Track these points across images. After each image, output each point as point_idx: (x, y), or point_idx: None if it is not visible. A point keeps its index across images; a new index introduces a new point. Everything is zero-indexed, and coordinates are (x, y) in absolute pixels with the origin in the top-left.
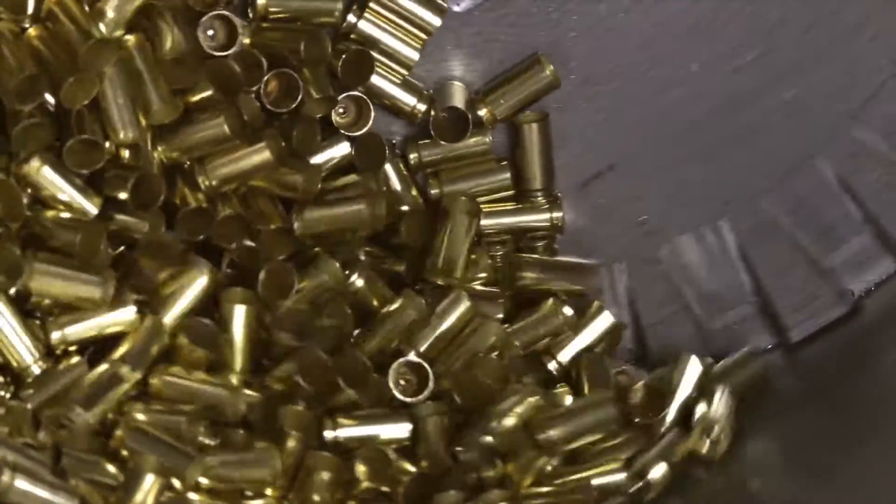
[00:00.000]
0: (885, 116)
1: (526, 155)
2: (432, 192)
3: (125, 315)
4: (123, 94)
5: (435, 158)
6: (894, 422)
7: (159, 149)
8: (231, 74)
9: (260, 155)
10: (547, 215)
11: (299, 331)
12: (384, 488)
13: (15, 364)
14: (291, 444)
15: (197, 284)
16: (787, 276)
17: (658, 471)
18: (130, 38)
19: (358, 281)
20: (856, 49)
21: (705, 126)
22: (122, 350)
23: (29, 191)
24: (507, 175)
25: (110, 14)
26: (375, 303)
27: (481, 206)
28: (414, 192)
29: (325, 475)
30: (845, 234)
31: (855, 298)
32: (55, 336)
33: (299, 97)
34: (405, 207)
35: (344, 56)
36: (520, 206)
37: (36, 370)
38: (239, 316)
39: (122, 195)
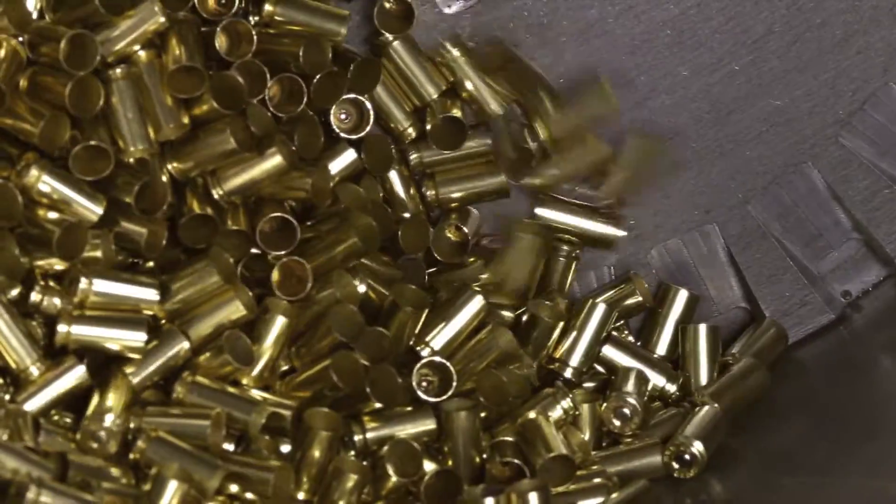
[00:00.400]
0: (874, 126)
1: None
2: (428, 193)
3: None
4: (133, 107)
5: (436, 159)
6: (886, 427)
7: (170, 165)
8: (235, 87)
9: (272, 161)
10: (609, 231)
11: (348, 331)
12: (412, 488)
13: (14, 365)
14: (318, 447)
15: (232, 311)
16: (775, 282)
17: (696, 447)
18: (142, 55)
19: (360, 287)
20: (843, 61)
21: (693, 132)
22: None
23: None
24: (503, 177)
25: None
26: (375, 298)
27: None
28: (413, 192)
29: (353, 478)
30: (834, 241)
31: (844, 305)
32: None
33: (303, 101)
34: (406, 214)
35: (353, 64)
36: (590, 211)
37: (35, 372)
38: (276, 327)
39: (128, 199)
